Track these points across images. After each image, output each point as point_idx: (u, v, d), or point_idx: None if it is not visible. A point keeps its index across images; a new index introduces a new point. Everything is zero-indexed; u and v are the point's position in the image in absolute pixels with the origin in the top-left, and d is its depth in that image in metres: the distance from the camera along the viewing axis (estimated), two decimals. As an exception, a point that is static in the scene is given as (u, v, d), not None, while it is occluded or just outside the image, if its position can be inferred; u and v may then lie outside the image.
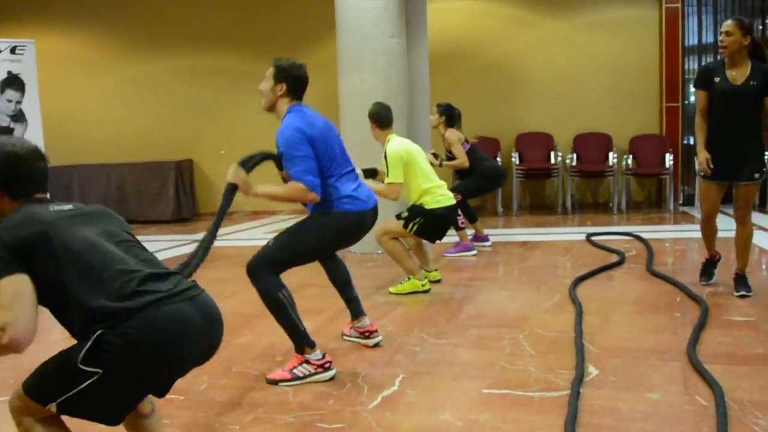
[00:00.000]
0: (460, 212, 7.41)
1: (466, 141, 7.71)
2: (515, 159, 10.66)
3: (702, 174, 5.27)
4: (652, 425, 3.27)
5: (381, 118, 5.80)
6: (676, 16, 10.64)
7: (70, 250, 2.34)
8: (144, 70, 11.94)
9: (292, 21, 11.24)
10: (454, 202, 6.04)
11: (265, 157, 4.02)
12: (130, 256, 2.47)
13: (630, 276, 6.31)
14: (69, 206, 2.52)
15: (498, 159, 10.56)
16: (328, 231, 4.08)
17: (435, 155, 7.40)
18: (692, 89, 10.62)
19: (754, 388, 3.64)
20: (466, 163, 7.55)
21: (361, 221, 4.17)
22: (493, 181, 8.02)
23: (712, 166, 5.15)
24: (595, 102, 10.96)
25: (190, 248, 8.50)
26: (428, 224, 5.85)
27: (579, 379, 3.76)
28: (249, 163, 3.88)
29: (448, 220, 6.09)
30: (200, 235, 9.56)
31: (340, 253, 4.61)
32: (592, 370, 3.95)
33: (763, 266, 6.62)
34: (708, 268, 5.72)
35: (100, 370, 2.26)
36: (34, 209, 2.42)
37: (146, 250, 2.60)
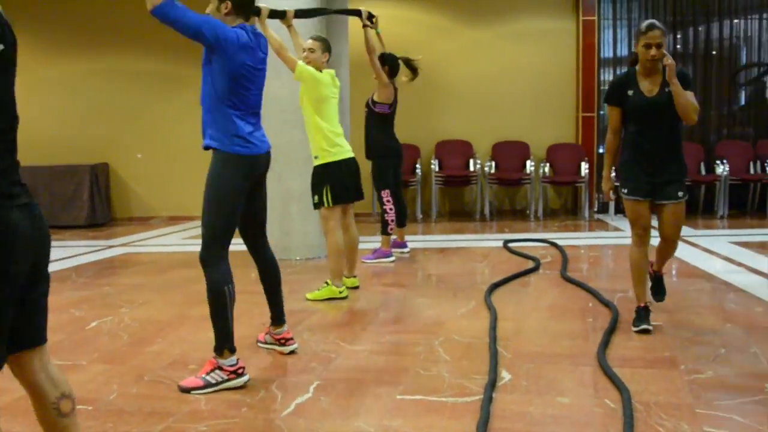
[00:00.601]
0: (393, 218, 7.38)
1: (390, 105, 7.49)
2: (435, 166, 10.76)
3: (625, 192, 4.75)
4: (561, 428, 3.32)
5: (329, 46, 5.87)
6: (593, 29, 10.91)
7: None
8: (58, 70, 11.65)
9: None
10: (350, 154, 5.93)
11: None
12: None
13: (545, 282, 6.42)
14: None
15: (417, 166, 10.65)
16: (225, 176, 3.98)
17: (372, 16, 6.66)
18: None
19: (660, 390, 3.74)
20: (368, 53, 6.98)
21: (253, 163, 4.08)
22: (387, 159, 7.61)
23: (613, 197, 5.01)
24: (514, 111, 11.15)
25: (105, 255, 8.32)
26: (335, 185, 5.80)
27: (492, 384, 3.79)
28: None
29: (349, 171, 5.92)
30: (117, 240, 9.39)
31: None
32: (505, 375, 3.99)
33: (673, 272, 6.80)
34: (642, 314, 4.83)
35: None
36: None
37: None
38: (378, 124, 7.50)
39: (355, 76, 9.07)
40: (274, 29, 5.45)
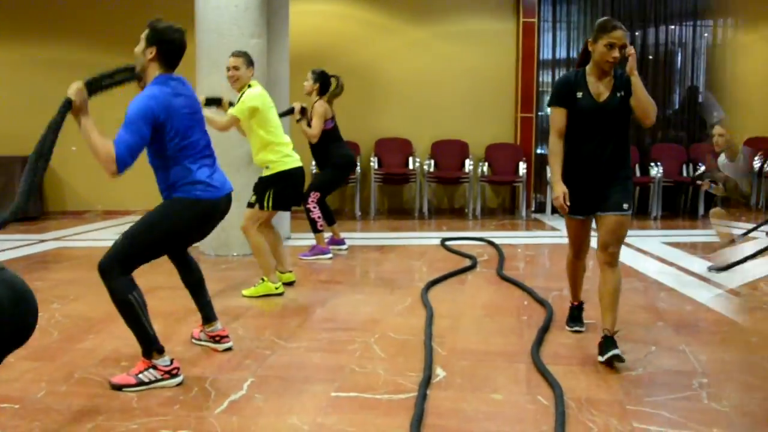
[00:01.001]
0: (320, 214, 7.39)
1: (332, 119, 7.63)
2: (374, 164, 10.77)
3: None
4: (494, 425, 3.35)
5: (252, 59, 5.86)
6: (532, 31, 11.05)
7: None
8: (-11, 60, 11.34)
9: (152, 15, 10.88)
10: (300, 164, 6.00)
11: (114, 82, 3.89)
12: None
13: (481, 280, 6.48)
14: None
15: (356, 164, 10.63)
16: (178, 219, 3.92)
17: (303, 110, 7.26)
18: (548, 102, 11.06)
19: (591, 386, 3.80)
20: (315, 139, 7.47)
21: (213, 208, 4.02)
22: (345, 169, 7.96)
23: (569, 203, 4.25)
24: (454, 110, 11.22)
25: (36, 249, 8.14)
26: (280, 192, 5.84)
27: (426, 381, 3.81)
28: (95, 86, 3.78)
29: (298, 182, 6.03)
30: (49, 235, 9.18)
31: (194, 254, 4.50)
32: (439, 373, 4.01)
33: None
34: (575, 313, 4.91)
35: None
36: None
37: None
38: (330, 138, 7.60)
39: (295, 72, 9.02)
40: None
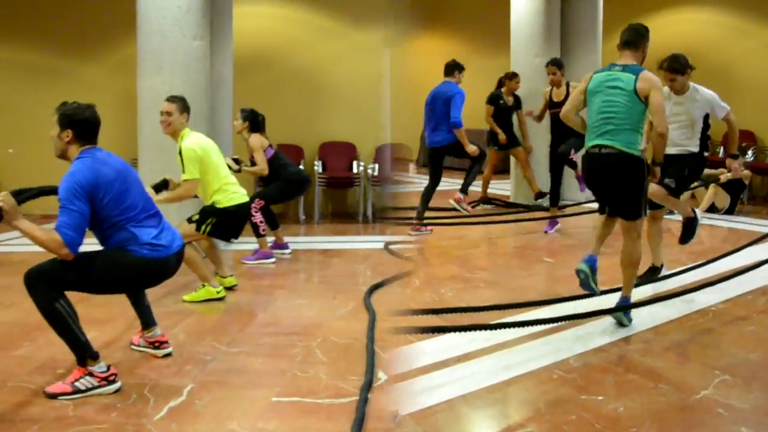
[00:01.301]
0: (262, 219, 7.36)
1: (270, 147, 7.66)
2: (318, 167, 10.71)
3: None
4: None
5: (187, 105, 5.82)
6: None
7: None
8: None
9: (93, 16, 10.69)
10: (246, 199, 6.07)
11: (42, 192, 3.94)
12: None
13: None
14: None
15: (301, 167, 10.59)
16: (124, 271, 3.90)
17: (237, 160, 7.31)
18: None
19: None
20: (265, 171, 7.51)
21: (162, 267, 4.02)
22: (297, 188, 8.01)
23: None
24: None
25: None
26: (221, 224, 5.86)
27: (368, 385, 3.82)
28: (23, 195, 3.78)
29: (242, 218, 6.10)
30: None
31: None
32: (381, 376, 4.02)
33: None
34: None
35: None
36: None
37: None
38: (276, 164, 7.62)
39: (239, 74, 8.96)
40: None
